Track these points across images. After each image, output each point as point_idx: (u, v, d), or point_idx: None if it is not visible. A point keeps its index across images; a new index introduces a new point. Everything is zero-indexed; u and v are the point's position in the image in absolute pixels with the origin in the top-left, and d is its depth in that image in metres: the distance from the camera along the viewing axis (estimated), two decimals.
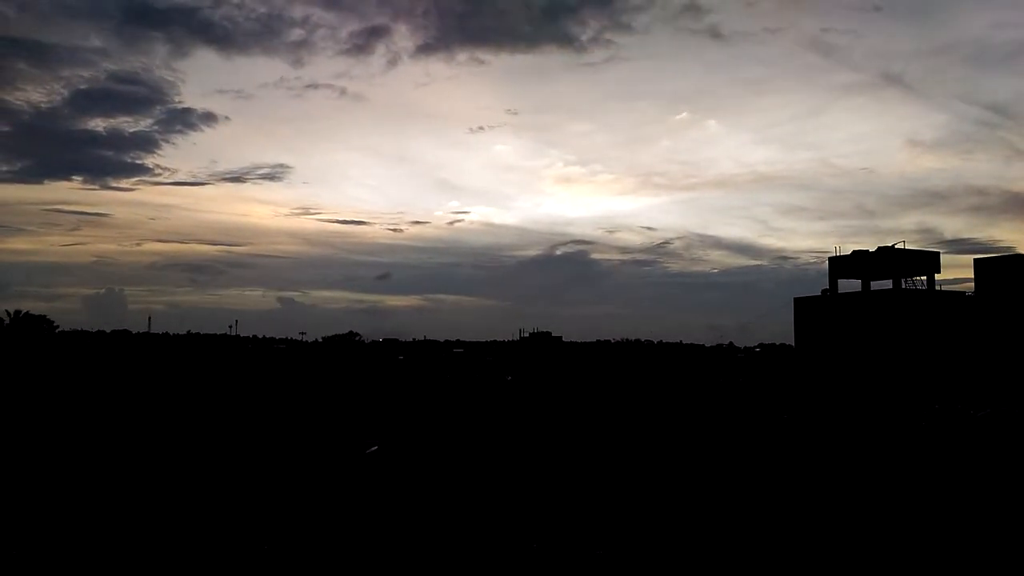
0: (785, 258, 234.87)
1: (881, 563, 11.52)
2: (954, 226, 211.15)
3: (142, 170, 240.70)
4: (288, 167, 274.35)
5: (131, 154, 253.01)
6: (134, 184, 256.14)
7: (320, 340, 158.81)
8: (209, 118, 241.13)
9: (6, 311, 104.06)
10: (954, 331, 54.25)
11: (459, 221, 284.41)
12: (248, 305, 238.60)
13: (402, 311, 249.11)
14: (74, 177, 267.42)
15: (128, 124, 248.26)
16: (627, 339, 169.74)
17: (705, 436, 26.14)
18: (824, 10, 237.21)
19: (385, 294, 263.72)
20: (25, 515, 13.78)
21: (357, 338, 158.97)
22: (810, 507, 15.22)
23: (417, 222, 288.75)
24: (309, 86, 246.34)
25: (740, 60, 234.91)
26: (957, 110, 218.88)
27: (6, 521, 13.28)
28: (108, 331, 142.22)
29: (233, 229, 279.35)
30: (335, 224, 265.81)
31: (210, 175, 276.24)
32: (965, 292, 59.23)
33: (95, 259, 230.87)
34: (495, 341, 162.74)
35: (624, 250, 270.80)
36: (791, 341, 66.47)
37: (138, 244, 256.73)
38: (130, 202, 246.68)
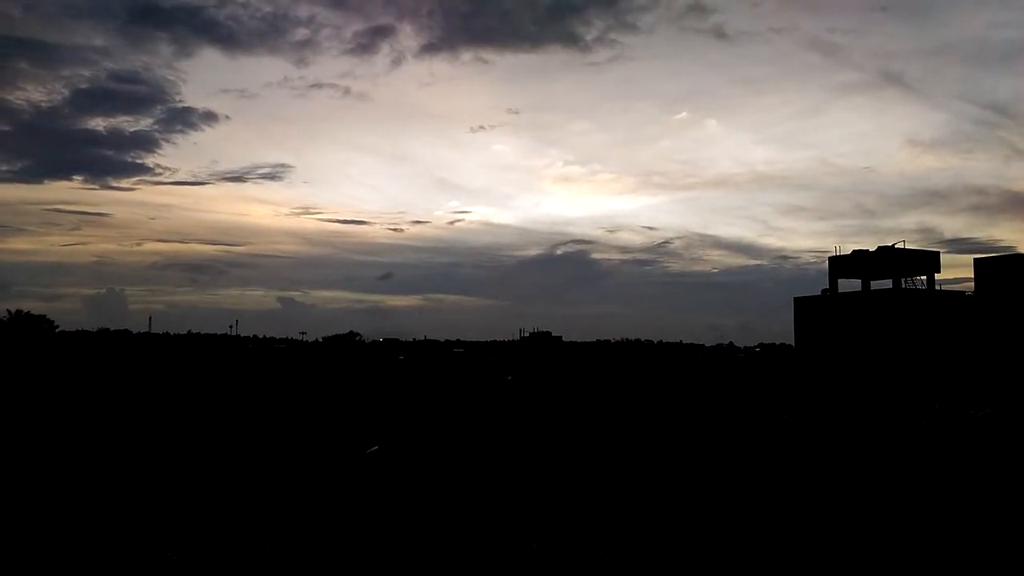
0: (785, 258, 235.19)
1: (881, 563, 11.54)
2: (954, 226, 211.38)
3: (142, 170, 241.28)
4: (289, 167, 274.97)
5: (131, 154, 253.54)
6: (134, 184, 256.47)
7: (320, 340, 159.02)
8: (210, 117, 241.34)
9: (7, 311, 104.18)
10: (954, 331, 54.25)
11: (459, 221, 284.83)
12: (248, 305, 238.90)
13: (402, 311, 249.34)
14: (74, 177, 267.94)
15: (129, 124, 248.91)
16: (627, 339, 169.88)
17: (705, 436, 26.16)
18: (829, 10, 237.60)
19: (385, 294, 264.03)
20: (25, 515, 13.80)
21: (357, 338, 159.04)
22: (810, 507, 15.24)
23: (417, 222, 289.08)
24: (313, 86, 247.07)
25: (742, 60, 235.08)
26: (957, 109, 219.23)
27: (6, 521, 13.31)
28: (111, 330, 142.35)
29: (233, 229, 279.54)
30: (335, 224, 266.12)
31: (210, 175, 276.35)
32: (965, 292, 59.25)
33: (95, 259, 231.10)
34: (495, 341, 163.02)
35: (624, 250, 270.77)
36: (791, 341, 66.52)
37: (138, 244, 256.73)
38: (130, 202, 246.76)
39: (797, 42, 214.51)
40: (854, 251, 59.06)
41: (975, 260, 59.08)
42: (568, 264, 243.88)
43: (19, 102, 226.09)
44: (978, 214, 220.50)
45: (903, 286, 55.98)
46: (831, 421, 30.02)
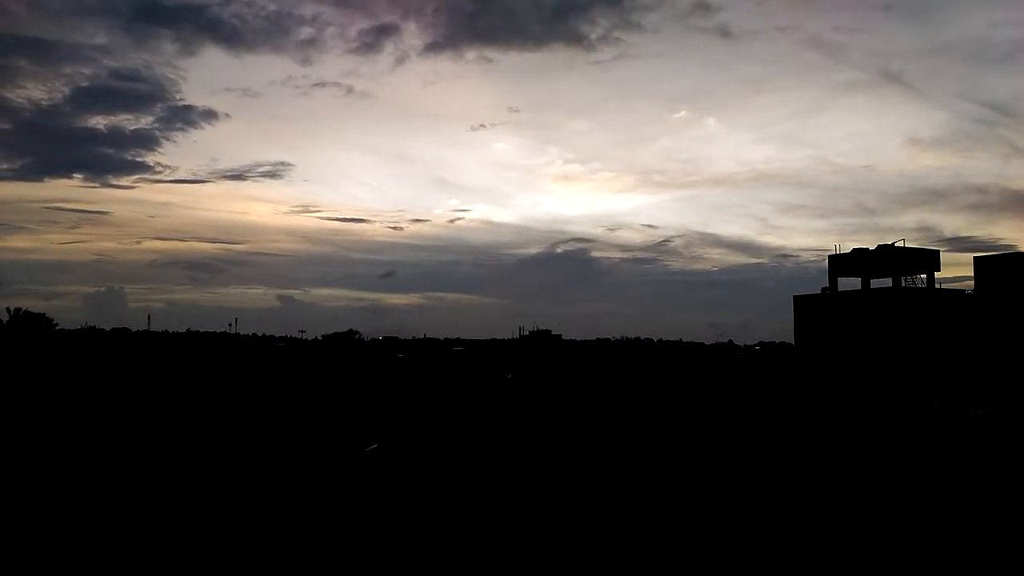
0: (785, 256, 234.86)
1: (881, 562, 11.52)
2: (954, 224, 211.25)
3: (142, 168, 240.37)
4: (289, 165, 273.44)
5: (132, 152, 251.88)
6: (134, 182, 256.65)
7: (320, 338, 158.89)
8: (210, 115, 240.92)
9: (6, 309, 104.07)
10: (954, 329, 54.24)
11: (459, 219, 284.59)
12: (248, 303, 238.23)
13: (402, 309, 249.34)
14: (74, 175, 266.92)
15: (129, 121, 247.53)
16: (627, 337, 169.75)
17: (705, 434, 26.14)
18: (832, 8, 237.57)
19: (385, 292, 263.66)
20: (25, 515, 13.77)
21: (357, 336, 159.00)
22: (810, 505, 15.22)
23: (417, 220, 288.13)
24: (316, 84, 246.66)
25: (743, 59, 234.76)
26: (957, 108, 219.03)
27: (6, 521, 13.28)
28: (107, 329, 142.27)
29: (233, 227, 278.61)
30: (335, 222, 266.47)
31: (211, 173, 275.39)
32: (965, 290, 59.27)
33: (95, 257, 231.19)
34: (495, 339, 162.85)
35: (624, 248, 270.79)
36: (791, 339, 66.47)
37: (138, 242, 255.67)
38: (130, 200, 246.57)
39: (797, 41, 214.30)
40: (854, 249, 59.07)
41: (975, 258, 59.20)
42: (568, 262, 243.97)
43: (19, 100, 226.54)
44: (978, 213, 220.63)
45: (903, 285, 55.99)
46: (831, 420, 30.01)
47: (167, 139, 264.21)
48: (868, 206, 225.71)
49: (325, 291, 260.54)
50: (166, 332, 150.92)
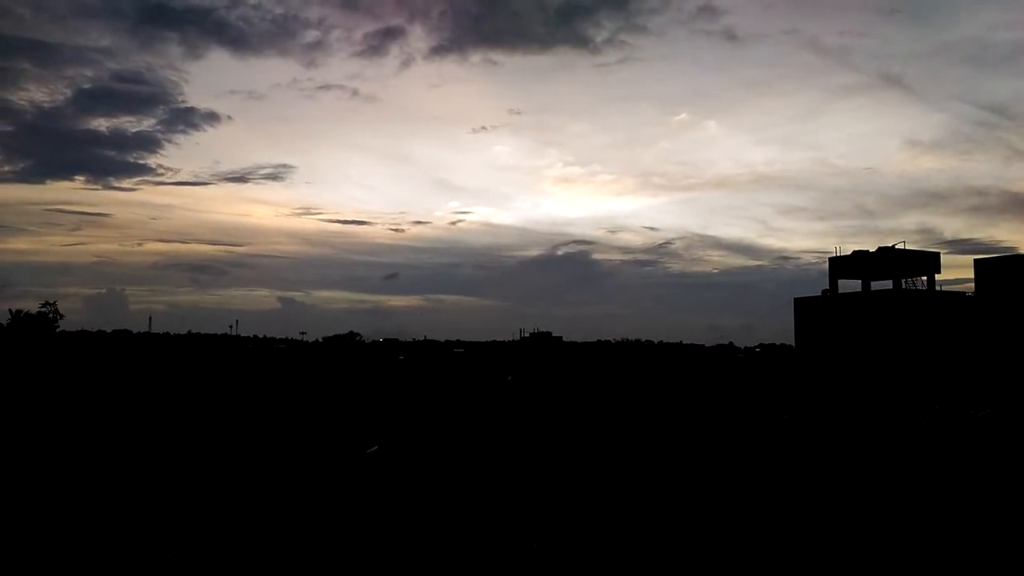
0: (785, 258, 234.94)
1: (881, 562, 11.54)
2: (954, 226, 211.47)
3: (144, 170, 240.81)
4: (291, 167, 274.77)
5: (133, 154, 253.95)
6: (136, 184, 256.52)
7: (321, 340, 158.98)
8: (212, 118, 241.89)
9: (8, 310, 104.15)
10: (954, 331, 54.24)
11: (460, 221, 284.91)
12: (249, 305, 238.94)
13: (403, 311, 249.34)
14: (76, 177, 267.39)
15: (131, 124, 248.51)
16: (627, 339, 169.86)
17: (705, 436, 26.15)
18: (835, 12, 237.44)
19: (386, 294, 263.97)
20: (26, 514, 13.80)
21: (357, 338, 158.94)
22: (810, 506, 15.23)
23: (418, 222, 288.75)
24: (321, 87, 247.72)
25: (744, 62, 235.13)
26: (956, 110, 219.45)
27: (7, 521, 13.30)
28: (109, 331, 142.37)
29: (234, 229, 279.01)
30: (336, 224, 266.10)
31: (212, 175, 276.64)
32: (965, 292, 59.28)
33: (96, 259, 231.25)
34: (495, 341, 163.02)
35: (625, 250, 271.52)
36: (791, 341, 66.54)
37: (139, 244, 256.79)
38: (131, 202, 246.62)
39: (798, 44, 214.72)
40: (854, 252, 59.08)
41: (975, 261, 59.26)
42: (568, 265, 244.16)
43: (21, 102, 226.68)
44: (978, 215, 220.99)
45: (903, 287, 55.97)
46: (831, 421, 30.02)
47: (169, 141, 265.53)
48: (868, 208, 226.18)
49: (326, 293, 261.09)
50: (167, 334, 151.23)
